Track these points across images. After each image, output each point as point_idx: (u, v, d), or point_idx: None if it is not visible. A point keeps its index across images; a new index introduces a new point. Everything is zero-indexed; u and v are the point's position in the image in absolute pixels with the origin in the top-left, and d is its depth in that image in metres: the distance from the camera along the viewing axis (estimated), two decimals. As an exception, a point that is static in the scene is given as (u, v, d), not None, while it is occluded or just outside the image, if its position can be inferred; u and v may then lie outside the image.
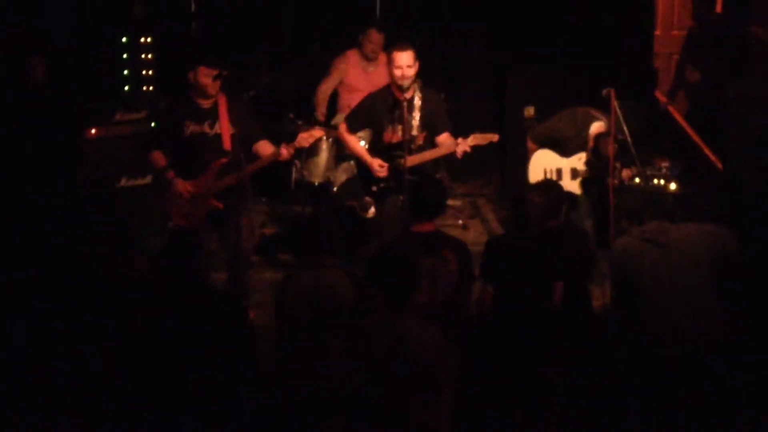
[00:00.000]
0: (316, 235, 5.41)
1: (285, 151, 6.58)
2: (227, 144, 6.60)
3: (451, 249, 5.62)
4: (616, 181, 6.92)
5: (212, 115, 6.65)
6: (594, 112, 7.49)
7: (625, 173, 6.99)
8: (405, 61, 6.70)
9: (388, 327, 4.50)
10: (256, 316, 6.31)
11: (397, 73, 6.71)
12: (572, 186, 7.37)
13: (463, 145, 6.72)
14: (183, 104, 6.72)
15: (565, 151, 7.46)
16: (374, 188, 7.03)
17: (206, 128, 6.64)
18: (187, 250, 4.89)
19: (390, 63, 6.78)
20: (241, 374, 4.75)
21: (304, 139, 6.65)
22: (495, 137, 6.82)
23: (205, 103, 6.67)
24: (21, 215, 7.21)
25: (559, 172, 7.43)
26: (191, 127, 6.63)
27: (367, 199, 7.19)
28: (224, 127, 6.61)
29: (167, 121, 6.82)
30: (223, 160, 6.58)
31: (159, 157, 6.72)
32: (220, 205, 6.61)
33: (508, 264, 5.61)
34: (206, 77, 6.57)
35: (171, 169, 6.66)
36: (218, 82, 6.57)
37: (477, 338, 5.46)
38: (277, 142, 6.90)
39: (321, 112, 8.74)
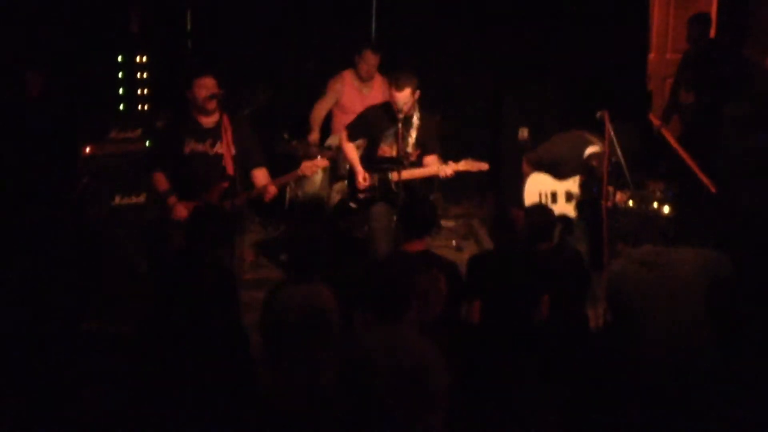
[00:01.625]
0: (310, 252, 5.42)
1: (270, 191, 6.58)
2: (229, 166, 6.45)
3: (441, 269, 5.64)
4: (609, 204, 6.92)
5: (214, 134, 6.53)
6: (589, 136, 7.52)
7: (619, 197, 7.00)
8: (403, 99, 6.88)
9: (383, 340, 4.52)
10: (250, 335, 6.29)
11: (400, 106, 6.86)
12: (567, 209, 7.39)
13: (447, 169, 6.92)
14: (184, 121, 6.62)
15: (560, 175, 7.48)
16: (360, 195, 7.22)
17: (207, 147, 6.54)
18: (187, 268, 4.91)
19: (390, 96, 6.94)
20: (239, 387, 4.77)
21: (308, 168, 6.64)
22: (485, 166, 7.02)
23: (207, 122, 6.58)
24: (16, 230, 7.20)
25: (554, 195, 7.45)
26: (191, 145, 6.54)
27: (353, 205, 7.29)
28: (226, 148, 6.45)
29: (167, 138, 6.73)
30: (225, 184, 6.45)
31: (160, 180, 6.61)
32: None
33: (493, 280, 5.62)
34: (201, 89, 6.47)
35: (172, 194, 6.56)
36: (214, 101, 6.47)
37: (466, 352, 5.47)
38: (272, 161, 6.91)
39: (314, 135, 8.75)
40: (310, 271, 5.32)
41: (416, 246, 5.74)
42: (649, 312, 5.28)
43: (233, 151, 6.48)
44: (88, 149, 7.92)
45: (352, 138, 7.32)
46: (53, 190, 7.59)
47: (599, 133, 7.21)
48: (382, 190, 7.11)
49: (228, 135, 6.45)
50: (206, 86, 6.48)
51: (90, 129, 8.05)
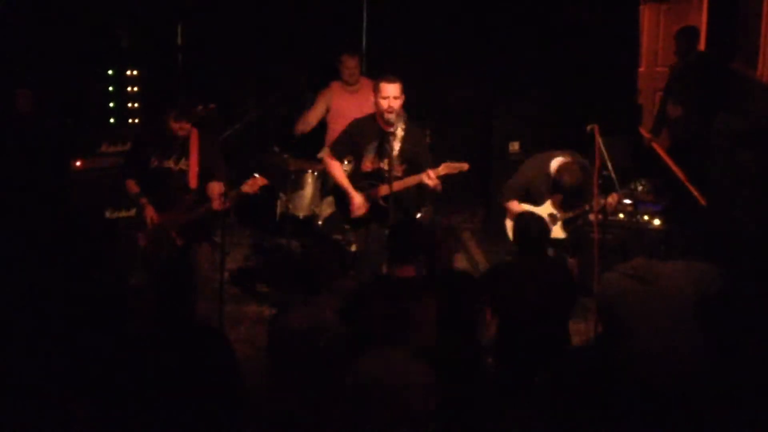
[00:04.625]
0: (314, 274, 5.41)
1: (216, 204, 6.71)
2: (192, 181, 6.83)
3: (432, 292, 5.58)
4: (600, 217, 6.93)
5: (180, 150, 6.85)
6: (554, 152, 7.44)
7: (611, 199, 6.96)
8: (392, 92, 6.72)
9: (378, 360, 4.56)
10: (241, 350, 6.29)
11: (384, 104, 6.72)
12: (555, 232, 7.32)
13: (431, 175, 6.71)
14: (153, 137, 6.95)
15: (537, 200, 7.41)
16: (352, 216, 7.04)
17: (171, 164, 6.86)
18: (176, 284, 4.93)
19: (377, 93, 6.80)
20: (228, 407, 4.76)
21: (249, 186, 6.72)
22: (465, 166, 6.80)
23: (177, 137, 6.85)
24: (7, 245, 7.19)
25: None
26: (155, 162, 6.85)
27: (347, 227, 7.24)
28: (192, 164, 6.83)
29: (137, 152, 7.05)
30: (189, 198, 6.84)
31: (132, 185, 6.98)
32: (180, 242, 6.85)
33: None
34: (176, 124, 6.78)
35: (143, 197, 6.90)
36: (188, 127, 6.79)
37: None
38: (262, 174, 6.93)
39: (298, 128, 8.78)
40: (315, 292, 5.34)
41: (407, 271, 5.56)
42: (641, 325, 5.29)
43: (198, 168, 6.85)
44: (78, 163, 7.92)
45: (336, 155, 7.08)
46: (44, 205, 7.59)
47: (571, 150, 7.21)
48: (371, 208, 6.91)
49: (195, 150, 6.84)
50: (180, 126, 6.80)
51: (81, 143, 8.06)
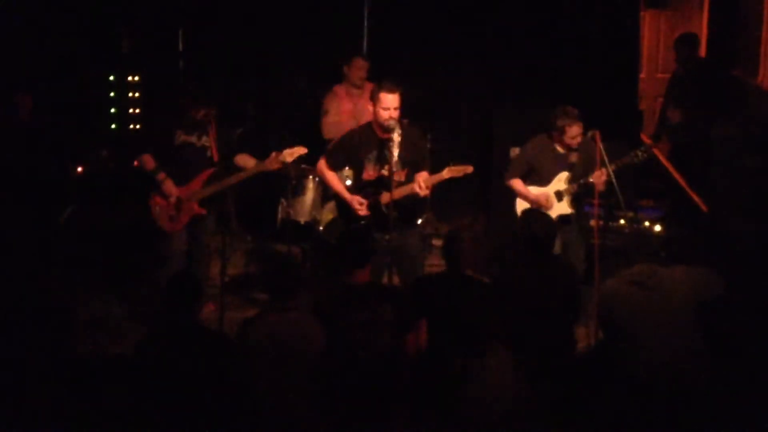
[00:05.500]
0: (286, 278, 5.41)
1: (275, 162, 6.90)
2: (215, 155, 6.98)
3: (387, 299, 5.57)
4: (600, 222, 6.93)
5: (202, 126, 6.98)
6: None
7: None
8: (392, 103, 6.64)
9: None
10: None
11: (385, 114, 6.66)
12: (562, 208, 7.30)
13: (422, 185, 6.69)
14: (176, 114, 7.04)
15: (546, 176, 7.39)
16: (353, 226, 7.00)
17: (194, 139, 7.00)
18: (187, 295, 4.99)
19: (376, 102, 6.74)
20: (229, 408, 4.79)
21: (287, 155, 6.88)
22: (470, 169, 6.79)
23: (197, 115, 6.97)
24: (6, 252, 7.19)
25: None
26: (182, 137, 6.98)
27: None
28: (213, 139, 6.96)
29: (159, 127, 7.13)
30: (210, 170, 6.96)
31: (148, 160, 6.99)
32: (203, 211, 6.98)
33: (438, 304, 5.59)
34: (195, 112, 6.92)
35: (161, 171, 6.93)
36: (210, 112, 6.92)
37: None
38: (264, 180, 6.96)
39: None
40: (290, 298, 5.33)
41: (360, 277, 5.62)
42: (641, 331, 5.28)
43: (217, 144, 6.99)
44: (80, 169, 7.93)
45: (332, 166, 7.01)
46: (45, 211, 7.59)
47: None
48: (374, 215, 6.83)
49: (213, 126, 6.97)
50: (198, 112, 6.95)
51: (82, 149, 8.06)
